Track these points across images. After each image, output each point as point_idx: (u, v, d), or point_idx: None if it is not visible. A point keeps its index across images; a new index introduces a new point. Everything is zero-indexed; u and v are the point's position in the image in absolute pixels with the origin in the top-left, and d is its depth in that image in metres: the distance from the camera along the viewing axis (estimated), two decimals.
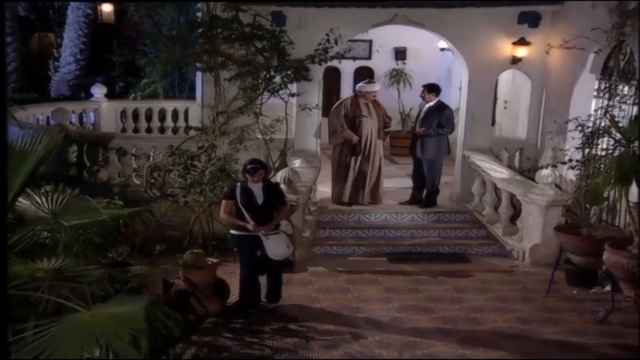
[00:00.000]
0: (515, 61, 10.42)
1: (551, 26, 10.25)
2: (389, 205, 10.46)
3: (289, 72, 9.58)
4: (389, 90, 14.66)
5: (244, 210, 7.18)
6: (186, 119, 14.64)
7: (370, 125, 10.30)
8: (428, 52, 14.93)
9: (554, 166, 8.52)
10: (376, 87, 10.52)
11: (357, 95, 10.43)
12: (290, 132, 10.14)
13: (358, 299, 7.83)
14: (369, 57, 15.49)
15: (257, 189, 7.18)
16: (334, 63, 15.20)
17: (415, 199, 10.57)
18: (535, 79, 10.65)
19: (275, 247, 7.15)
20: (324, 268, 8.86)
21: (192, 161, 9.32)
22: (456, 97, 12.72)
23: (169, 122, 14.74)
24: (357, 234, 9.77)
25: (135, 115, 14.77)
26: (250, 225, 7.11)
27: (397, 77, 15.06)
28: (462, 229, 9.97)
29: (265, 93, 9.49)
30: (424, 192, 10.53)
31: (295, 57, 9.60)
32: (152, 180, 9.84)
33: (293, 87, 9.83)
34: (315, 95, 10.24)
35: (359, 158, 10.29)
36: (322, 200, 10.51)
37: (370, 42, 15.33)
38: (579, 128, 7.86)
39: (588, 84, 9.26)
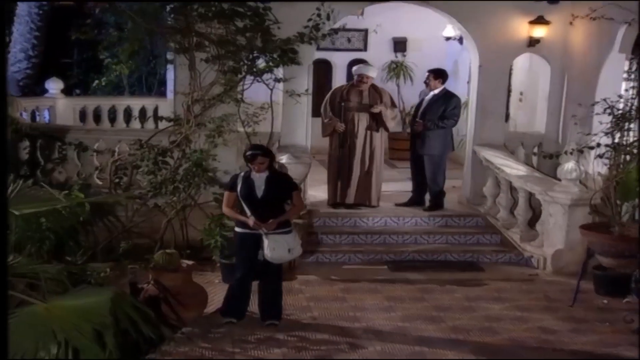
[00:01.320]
0: (532, 43, 10.43)
1: (572, 3, 10.26)
2: (389, 209, 10.44)
3: (275, 56, 9.53)
4: (387, 85, 14.57)
5: (243, 204, 7.10)
6: (155, 118, 14.54)
7: (358, 113, 10.28)
8: (431, 42, 14.99)
9: (580, 151, 8.51)
10: (369, 70, 10.52)
11: (353, 82, 10.49)
12: (275, 124, 10.04)
13: (355, 308, 7.77)
14: (365, 49, 15.52)
15: (259, 179, 7.06)
16: (325, 55, 15.42)
17: (414, 201, 10.57)
18: (555, 63, 10.68)
19: (274, 249, 6.98)
20: (315, 277, 8.81)
21: (163, 157, 9.21)
22: (464, 91, 12.73)
23: (135, 122, 14.65)
24: (353, 240, 9.73)
25: (97, 114, 14.70)
26: (250, 221, 7.01)
27: (397, 70, 15.08)
28: (474, 235, 9.95)
29: (248, 78, 9.43)
30: (427, 194, 10.55)
31: (282, 38, 9.55)
32: (117, 180, 9.73)
33: (279, 72, 9.78)
34: (305, 81, 10.20)
35: (347, 150, 10.28)
36: (312, 203, 10.45)
37: (366, 31, 15.37)
38: (608, 111, 7.86)
39: (617, 65, 9.28)
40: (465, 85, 13.05)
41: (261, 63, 9.53)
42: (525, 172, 9.80)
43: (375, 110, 10.30)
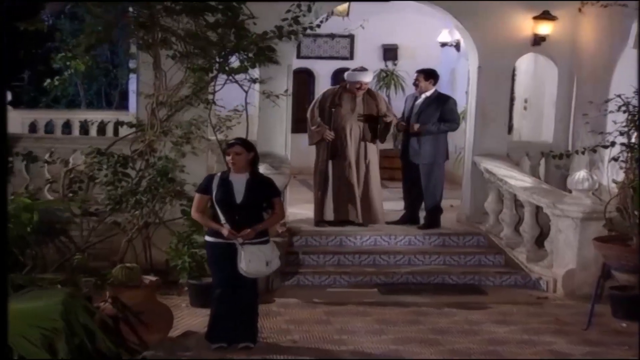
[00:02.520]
0: (537, 41, 10.50)
1: None
2: (379, 227, 10.44)
3: (250, 55, 9.52)
4: None
5: (218, 209, 7.00)
6: (116, 134, 14.51)
7: (350, 120, 10.32)
8: (425, 49, 15.08)
9: (593, 151, 8.53)
10: (366, 76, 10.55)
11: (345, 85, 10.53)
12: (251, 131, 9.99)
13: (341, 331, 7.70)
14: (351, 57, 15.58)
15: (239, 182, 6.97)
16: (306, 63, 15.49)
17: (407, 218, 10.57)
18: (562, 64, 10.76)
19: (250, 261, 6.86)
20: (295, 299, 8.75)
21: (124, 168, 9.12)
22: (462, 102, 12.77)
23: (93, 127, 14.63)
24: (339, 261, 9.71)
25: (49, 130, 14.66)
26: (225, 230, 6.92)
27: (387, 80, 15.13)
28: (474, 255, 9.96)
29: (220, 78, 9.40)
30: (421, 211, 10.56)
31: (258, 33, 9.56)
32: (71, 194, 9.63)
33: (255, 72, 9.78)
34: (284, 82, 10.21)
35: (338, 162, 10.28)
36: (292, 221, 10.42)
37: (352, 37, 15.45)
38: (623, 108, 7.91)
39: (632, 63, 9.28)
40: (463, 96, 13.08)
41: (235, 61, 9.52)
42: (531, 183, 9.80)
43: (388, 119, 10.44)
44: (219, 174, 7.15)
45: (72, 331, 4.90)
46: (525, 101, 12.56)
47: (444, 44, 14.98)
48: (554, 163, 10.85)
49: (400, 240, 10.11)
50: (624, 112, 7.94)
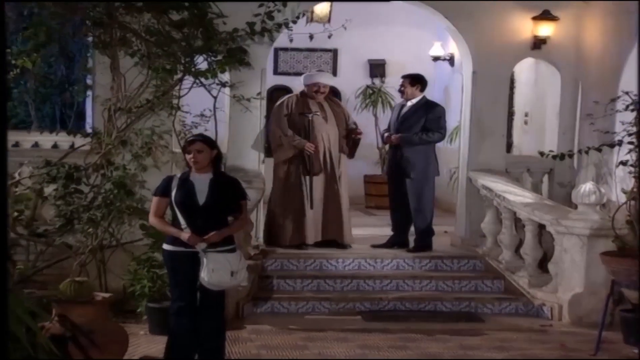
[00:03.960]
0: (537, 44, 10.57)
1: None
2: (364, 250, 10.46)
3: (219, 57, 9.55)
4: (361, 115, 14.66)
5: (178, 213, 6.91)
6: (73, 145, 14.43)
7: (326, 129, 10.38)
8: (416, 65, 14.98)
9: (598, 150, 8.54)
10: (323, 77, 10.69)
11: (304, 92, 10.57)
12: (221, 142, 9.98)
13: (319, 356, 7.72)
14: (334, 73, 15.51)
15: (201, 182, 6.88)
16: (285, 80, 15.51)
17: (395, 241, 10.58)
18: (565, 69, 10.82)
19: (213, 271, 6.69)
20: (269, 326, 8.70)
21: (77, 184, 9.02)
22: (457, 118, 12.82)
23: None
24: (319, 286, 9.69)
25: None
26: (185, 234, 6.79)
27: (374, 97, 15.14)
28: (470, 280, 9.95)
29: (186, 80, 9.41)
30: (410, 235, 10.57)
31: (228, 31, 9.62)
32: (17, 214, 9.53)
33: (225, 76, 9.79)
34: (257, 88, 10.23)
35: (319, 178, 10.30)
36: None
37: (335, 52, 15.53)
38: (631, 107, 7.95)
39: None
40: (458, 115, 13.14)
41: (202, 63, 9.54)
42: (532, 199, 9.81)
43: (359, 134, 10.59)
44: (178, 175, 7.09)
45: (6, 330, 4.80)
46: (526, 115, 12.60)
47: (436, 58, 15.04)
48: (557, 180, 10.88)
49: (387, 264, 10.09)
50: (632, 110, 7.97)
